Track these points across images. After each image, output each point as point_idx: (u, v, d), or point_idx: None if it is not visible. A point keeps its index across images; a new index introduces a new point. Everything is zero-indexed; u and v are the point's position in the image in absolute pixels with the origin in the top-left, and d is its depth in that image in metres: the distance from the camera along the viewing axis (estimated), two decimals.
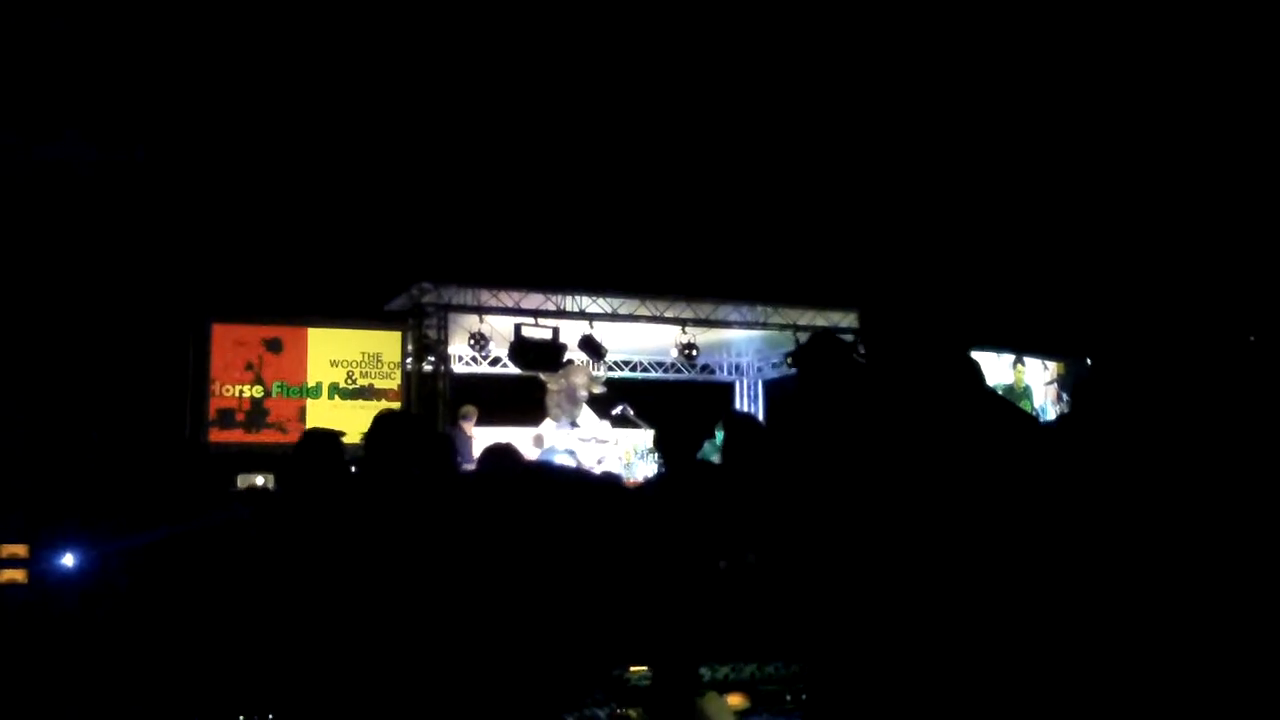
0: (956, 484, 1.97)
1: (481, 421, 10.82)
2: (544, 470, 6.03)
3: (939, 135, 15.63)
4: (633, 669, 6.02)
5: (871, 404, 2.12)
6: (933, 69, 15.48)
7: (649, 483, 6.21)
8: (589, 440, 10.92)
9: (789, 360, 11.04)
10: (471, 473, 4.66)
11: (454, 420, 10.54)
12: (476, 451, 10.05)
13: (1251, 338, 2.21)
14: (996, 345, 11.46)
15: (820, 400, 2.23)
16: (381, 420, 3.89)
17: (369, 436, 3.82)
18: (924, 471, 1.98)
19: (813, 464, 2.13)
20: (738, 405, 14.09)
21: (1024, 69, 14.96)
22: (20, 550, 6.87)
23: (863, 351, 2.17)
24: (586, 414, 11.15)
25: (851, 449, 2.08)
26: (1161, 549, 1.99)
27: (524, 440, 9.89)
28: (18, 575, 6.88)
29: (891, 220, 15.18)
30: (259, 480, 9.30)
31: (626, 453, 11.28)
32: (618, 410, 11.29)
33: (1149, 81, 14.10)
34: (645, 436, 11.31)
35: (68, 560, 5.90)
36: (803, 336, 11.74)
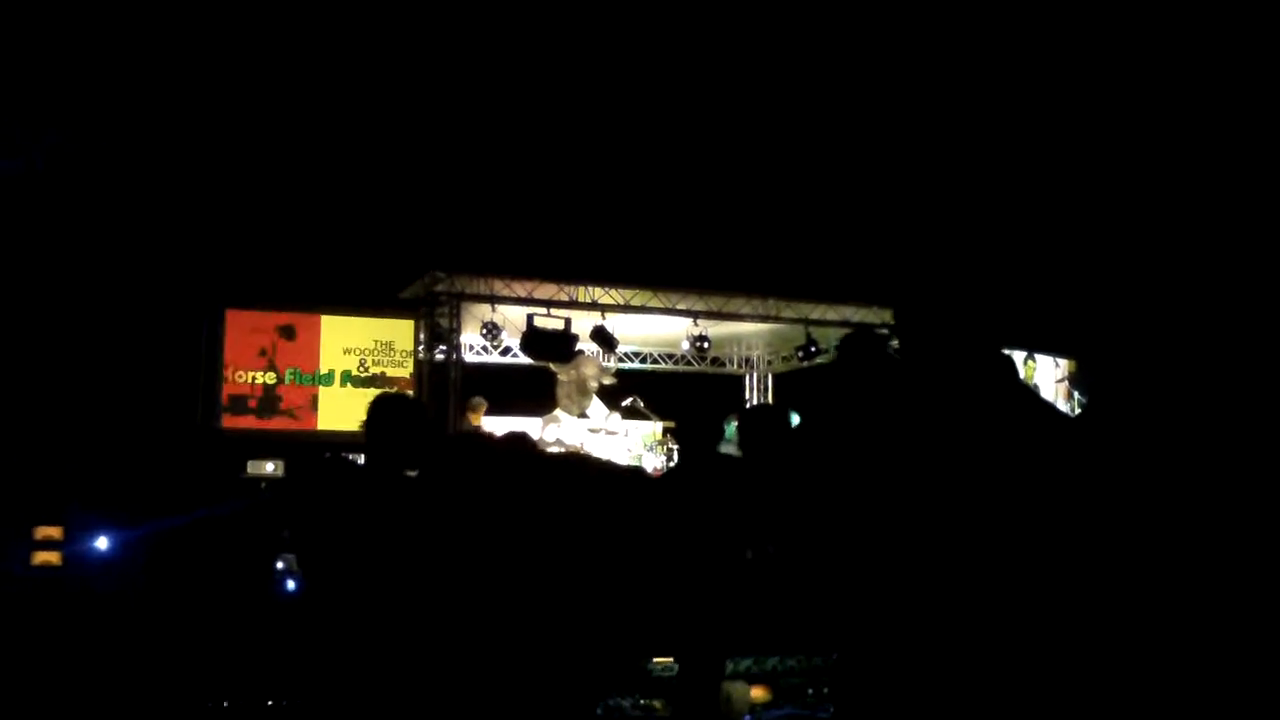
0: (989, 477, 1.98)
1: (491, 412, 10.83)
2: (572, 460, 6.00)
3: (951, 131, 15.58)
4: (655, 659, 5.99)
5: (906, 397, 2.13)
6: (943, 66, 15.43)
7: (669, 474, 6.20)
8: (598, 431, 10.94)
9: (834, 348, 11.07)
10: (491, 459, 4.65)
11: (462, 411, 10.55)
12: None
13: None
14: (1012, 343, 11.43)
15: (856, 392, 2.23)
16: (379, 405, 3.89)
17: (368, 423, 3.83)
18: (957, 464, 1.99)
19: (843, 454, 2.14)
20: (748, 398, 14.10)
21: (1033, 71, 14.90)
22: (55, 532, 6.73)
23: (897, 346, 2.18)
24: (596, 405, 11.16)
25: (884, 441, 2.09)
26: (1184, 539, 1.99)
27: (535, 430, 9.91)
28: (53, 557, 6.74)
29: (917, 217, 15.14)
30: (269, 467, 9.35)
31: (644, 439, 11.30)
32: (627, 402, 11.30)
33: (1163, 81, 14.04)
34: (655, 428, 11.34)
35: (102, 543, 5.83)
36: (815, 330, 11.78)
